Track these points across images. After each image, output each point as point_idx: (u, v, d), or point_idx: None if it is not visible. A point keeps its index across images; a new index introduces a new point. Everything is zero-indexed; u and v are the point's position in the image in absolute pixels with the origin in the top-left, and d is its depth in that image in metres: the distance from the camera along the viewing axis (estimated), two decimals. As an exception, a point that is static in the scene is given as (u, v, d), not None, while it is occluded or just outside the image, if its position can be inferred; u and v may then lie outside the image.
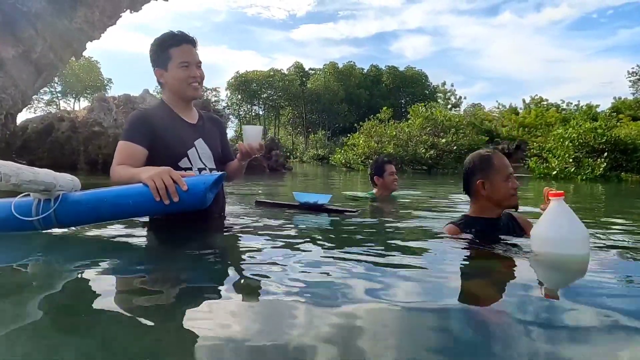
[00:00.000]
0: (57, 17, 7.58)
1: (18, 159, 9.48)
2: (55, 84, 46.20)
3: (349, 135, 21.29)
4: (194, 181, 1.57)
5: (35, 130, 12.38)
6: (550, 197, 1.48)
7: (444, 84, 52.27)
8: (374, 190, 3.76)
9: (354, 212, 2.65)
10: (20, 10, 6.79)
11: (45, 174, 1.52)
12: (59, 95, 50.50)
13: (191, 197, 1.53)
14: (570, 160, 11.15)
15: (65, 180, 1.62)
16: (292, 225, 2.35)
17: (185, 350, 0.82)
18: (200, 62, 2.01)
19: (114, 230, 1.93)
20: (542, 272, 1.46)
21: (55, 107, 47.91)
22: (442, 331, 0.94)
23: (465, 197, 1.98)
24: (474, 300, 1.17)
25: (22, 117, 11.02)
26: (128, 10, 9.02)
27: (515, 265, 1.50)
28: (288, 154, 28.47)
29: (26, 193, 1.59)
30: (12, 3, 6.78)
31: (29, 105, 9.93)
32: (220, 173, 1.72)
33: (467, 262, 1.58)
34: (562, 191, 1.48)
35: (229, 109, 56.00)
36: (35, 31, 7.25)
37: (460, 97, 50.96)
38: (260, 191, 5.58)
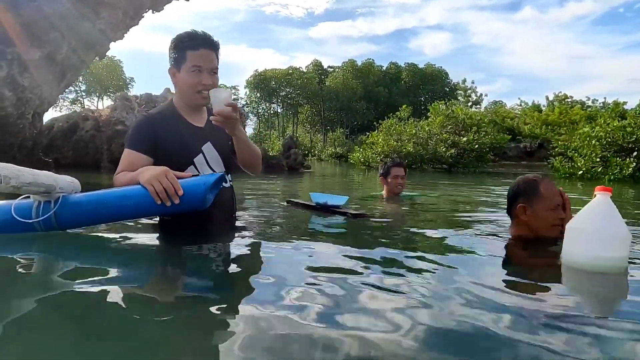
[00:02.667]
0: (81, 19, 7.71)
1: (44, 157, 9.71)
2: (80, 83, 47.26)
3: (367, 133, 21.17)
4: (194, 182, 1.55)
5: (60, 129, 12.71)
6: (596, 192, 1.43)
7: (464, 81, 51.56)
8: (383, 191, 3.83)
9: (368, 215, 2.61)
10: (45, 12, 6.94)
11: (45, 176, 1.52)
12: (83, 94, 51.70)
13: (191, 198, 1.52)
14: (597, 159, 10.81)
15: (66, 182, 1.61)
16: (306, 227, 2.35)
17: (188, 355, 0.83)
18: (215, 69, 1.87)
19: (118, 232, 1.92)
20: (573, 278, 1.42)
21: (79, 105, 49.08)
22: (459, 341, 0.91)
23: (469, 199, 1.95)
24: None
25: (48, 115, 11.31)
26: (150, 11, 9.13)
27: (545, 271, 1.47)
28: (306, 152, 28.54)
29: (26, 195, 1.59)
30: (37, 5, 6.94)
31: (54, 105, 10.16)
32: (220, 173, 1.68)
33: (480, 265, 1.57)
34: (610, 188, 1.44)
35: (247, 107, 56.37)
36: (60, 32, 7.39)
37: (481, 95, 50.19)
38: (278, 189, 5.56)
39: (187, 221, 1.81)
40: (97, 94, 52.33)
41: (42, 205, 1.57)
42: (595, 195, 1.44)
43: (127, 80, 52.78)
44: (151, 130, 1.82)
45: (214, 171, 1.93)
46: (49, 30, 7.29)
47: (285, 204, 3.24)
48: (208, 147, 1.92)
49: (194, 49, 1.82)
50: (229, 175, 2.04)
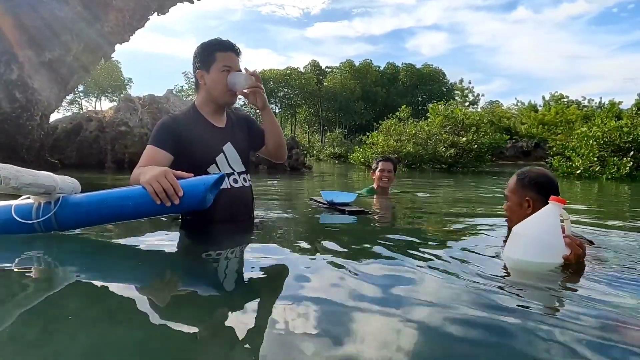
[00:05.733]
0: (90, 22, 7.84)
1: (50, 158, 9.82)
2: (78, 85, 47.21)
3: (367, 133, 21.34)
4: (194, 182, 1.54)
5: (64, 130, 12.80)
6: (550, 200, 1.46)
7: (461, 81, 51.79)
8: (374, 184, 4.08)
9: (364, 212, 2.75)
10: (57, 15, 7.07)
11: (45, 177, 1.51)
12: (81, 95, 51.63)
13: (191, 199, 1.51)
14: (595, 159, 11.02)
15: (66, 183, 1.61)
16: (313, 225, 2.47)
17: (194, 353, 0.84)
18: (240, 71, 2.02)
19: (135, 229, 1.96)
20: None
21: (77, 106, 49.09)
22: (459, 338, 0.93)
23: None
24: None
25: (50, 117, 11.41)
26: (156, 13, 9.26)
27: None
28: (305, 152, 28.69)
29: (27, 196, 1.58)
30: (51, 9, 7.06)
31: (60, 106, 10.26)
32: (220, 174, 1.70)
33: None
34: (565, 199, 1.45)
35: (246, 107, 56.33)
36: (71, 35, 7.52)
37: (478, 95, 50.45)
38: (278, 189, 5.70)
39: (209, 219, 1.91)
40: (95, 95, 52.30)
41: (42, 206, 1.55)
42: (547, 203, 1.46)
43: (125, 81, 52.80)
44: (175, 130, 1.89)
45: (233, 169, 2.03)
46: (58, 33, 7.42)
47: (309, 201, 3.42)
48: (228, 147, 2.03)
49: (224, 51, 1.97)
50: (248, 174, 2.14)
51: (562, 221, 1.46)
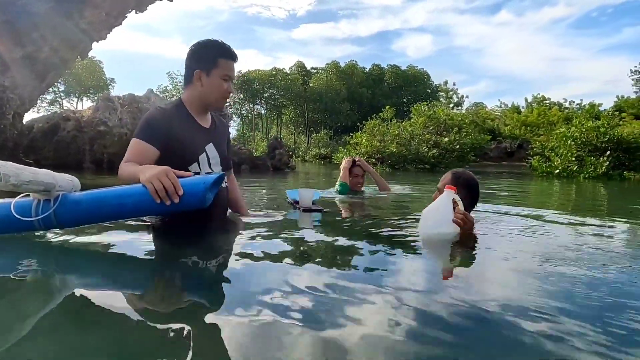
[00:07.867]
0: (65, 18, 7.67)
1: (25, 158, 9.58)
2: (59, 84, 46.23)
3: (351, 134, 21.37)
4: (194, 181, 1.55)
5: (41, 129, 12.48)
6: (445, 188, 1.92)
7: (445, 82, 52.36)
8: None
9: (320, 209, 2.77)
10: (29, 11, 6.88)
11: (45, 174, 1.51)
12: (62, 94, 50.69)
13: (191, 198, 1.52)
14: (573, 158, 11.20)
15: (65, 181, 1.61)
16: (293, 225, 2.46)
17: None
18: (234, 79, 2.07)
19: (116, 232, 1.94)
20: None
21: (58, 106, 48.18)
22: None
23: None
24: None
25: (26, 116, 11.11)
26: (133, 11, 9.10)
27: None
28: (290, 153, 28.42)
29: (26, 193, 1.58)
30: (22, 4, 6.88)
31: (35, 105, 10.01)
32: (220, 173, 1.70)
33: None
34: (455, 187, 1.93)
35: (231, 107, 55.98)
36: (43, 32, 7.34)
37: (463, 96, 51.04)
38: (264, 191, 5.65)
39: (186, 220, 1.88)
40: (77, 95, 51.39)
41: (42, 203, 1.56)
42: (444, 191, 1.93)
43: (108, 81, 51.99)
44: (164, 124, 1.87)
45: (213, 170, 2.02)
46: (31, 30, 7.24)
47: (285, 200, 3.43)
48: (210, 148, 2.03)
49: (227, 59, 1.99)
50: (225, 177, 2.12)
51: (456, 202, 1.90)
